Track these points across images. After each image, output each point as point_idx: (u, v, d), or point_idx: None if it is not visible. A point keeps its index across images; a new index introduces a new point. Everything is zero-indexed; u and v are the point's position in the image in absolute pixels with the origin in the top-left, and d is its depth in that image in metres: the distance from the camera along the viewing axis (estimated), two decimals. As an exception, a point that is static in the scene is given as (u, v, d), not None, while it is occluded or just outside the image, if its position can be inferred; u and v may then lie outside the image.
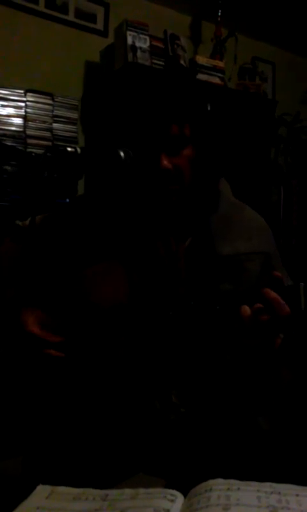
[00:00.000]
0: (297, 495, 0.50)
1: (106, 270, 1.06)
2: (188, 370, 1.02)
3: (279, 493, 0.50)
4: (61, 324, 1.06)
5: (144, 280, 1.02)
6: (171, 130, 1.00)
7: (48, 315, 1.06)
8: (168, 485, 0.79)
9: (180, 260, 1.06)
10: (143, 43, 2.52)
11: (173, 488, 0.54)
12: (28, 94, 2.33)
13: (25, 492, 0.54)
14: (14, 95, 2.30)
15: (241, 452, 0.90)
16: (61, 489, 0.55)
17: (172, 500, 0.51)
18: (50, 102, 2.39)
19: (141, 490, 0.54)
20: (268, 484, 0.52)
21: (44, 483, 0.57)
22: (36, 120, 2.35)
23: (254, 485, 0.52)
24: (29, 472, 0.94)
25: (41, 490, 0.56)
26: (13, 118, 2.29)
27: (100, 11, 2.78)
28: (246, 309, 0.81)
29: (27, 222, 1.23)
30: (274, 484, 0.52)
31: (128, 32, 2.48)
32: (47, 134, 2.38)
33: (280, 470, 0.89)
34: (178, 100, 1.03)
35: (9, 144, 2.26)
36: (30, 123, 2.33)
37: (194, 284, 1.01)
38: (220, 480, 0.53)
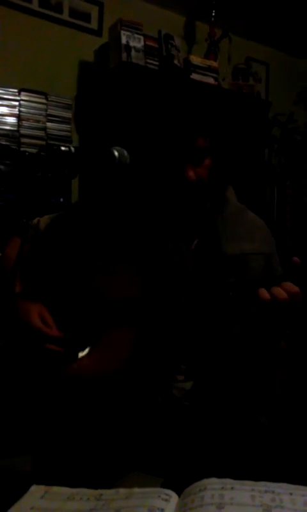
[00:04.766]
0: (291, 494, 0.50)
1: (119, 267, 1.09)
2: (197, 355, 1.05)
3: (273, 492, 0.50)
4: (62, 320, 1.09)
5: (155, 278, 1.06)
6: (198, 143, 1.03)
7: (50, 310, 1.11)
8: (165, 484, 0.79)
9: (188, 260, 1.11)
10: (137, 42, 2.52)
11: (169, 487, 0.54)
12: (22, 93, 2.33)
13: (22, 490, 0.54)
14: (8, 94, 2.29)
15: (239, 448, 0.91)
16: (56, 489, 0.55)
17: (166, 500, 0.51)
18: (44, 101, 2.38)
19: (136, 490, 0.54)
20: (262, 483, 0.52)
21: (39, 482, 0.56)
22: (30, 119, 2.34)
23: (248, 484, 0.52)
24: (34, 470, 0.94)
25: (36, 490, 0.55)
26: (6, 117, 2.29)
27: (94, 11, 2.78)
28: (264, 291, 0.85)
29: (35, 221, 1.28)
30: (268, 483, 0.52)
31: (123, 32, 2.48)
32: (41, 133, 2.37)
33: (276, 467, 0.90)
34: (204, 113, 1.06)
35: (3, 143, 2.26)
36: (24, 122, 2.32)
37: (201, 281, 1.05)
38: (214, 480, 0.53)
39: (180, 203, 1.09)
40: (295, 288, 0.84)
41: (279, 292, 0.84)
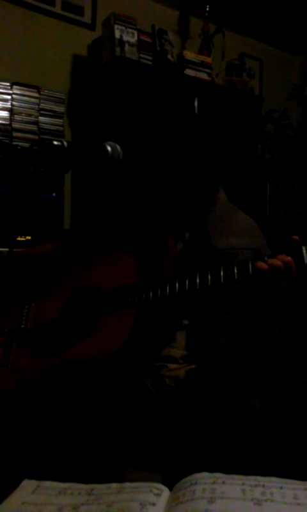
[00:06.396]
0: (281, 488, 0.50)
1: (117, 259, 1.14)
2: (195, 339, 1.11)
3: (264, 485, 0.51)
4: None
5: (151, 267, 1.11)
6: None
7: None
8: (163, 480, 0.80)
9: (169, 247, 1.18)
10: (131, 37, 2.50)
11: (167, 482, 0.54)
12: (14, 87, 2.30)
13: (11, 486, 0.54)
14: (0, 88, 2.27)
15: (232, 438, 0.92)
16: (47, 484, 0.55)
17: (158, 494, 0.51)
18: (36, 95, 2.36)
19: (127, 484, 0.54)
20: (252, 477, 0.52)
21: (31, 478, 0.56)
22: (22, 113, 2.32)
23: (239, 478, 0.52)
24: (26, 465, 0.95)
25: (27, 485, 0.55)
26: (-2, 111, 2.27)
27: (87, 4, 2.76)
28: (261, 263, 0.91)
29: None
30: (259, 477, 0.52)
31: (116, 26, 2.46)
32: (33, 127, 2.36)
33: (267, 460, 0.91)
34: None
35: (-6, 137, 2.24)
36: (16, 116, 2.30)
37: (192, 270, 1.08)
38: (205, 474, 0.53)
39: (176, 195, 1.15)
40: (288, 258, 0.90)
41: (274, 261, 0.90)
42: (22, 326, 1.15)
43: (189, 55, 2.72)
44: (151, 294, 1.02)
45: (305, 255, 0.91)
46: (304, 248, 0.91)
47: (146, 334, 1.05)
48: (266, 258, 0.92)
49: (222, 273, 0.95)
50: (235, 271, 0.94)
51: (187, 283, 0.98)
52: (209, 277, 0.96)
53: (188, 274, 0.99)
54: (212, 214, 1.19)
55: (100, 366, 1.01)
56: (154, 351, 1.11)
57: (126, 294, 1.05)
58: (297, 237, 0.93)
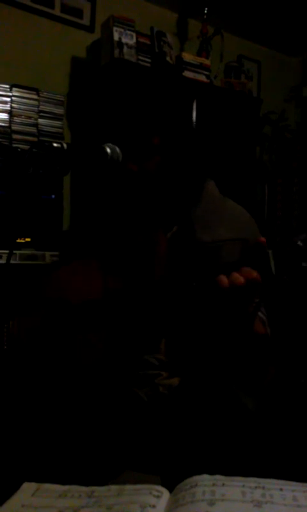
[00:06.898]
0: (281, 489, 0.50)
1: (79, 268, 1.10)
2: (175, 349, 1.06)
3: (264, 487, 0.51)
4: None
5: (119, 273, 1.06)
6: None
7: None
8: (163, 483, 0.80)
9: (160, 247, 1.12)
10: (130, 39, 2.51)
11: (164, 485, 0.54)
12: (14, 89, 2.31)
13: (11, 489, 0.54)
14: (-1, 90, 2.28)
15: (229, 440, 0.92)
16: (47, 486, 0.55)
17: (158, 496, 0.51)
18: (35, 97, 2.37)
19: (127, 487, 0.54)
20: (252, 479, 0.53)
21: (30, 480, 0.56)
22: (21, 115, 2.32)
23: (239, 480, 0.52)
24: (26, 468, 0.94)
25: (27, 487, 0.55)
26: (-2, 113, 2.27)
27: (86, 7, 2.76)
28: (223, 278, 0.83)
29: None
30: (259, 479, 0.52)
31: (115, 28, 2.47)
32: (33, 129, 2.36)
33: (265, 462, 0.91)
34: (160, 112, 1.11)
35: (-7, 139, 2.24)
36: (15, 118, 2.31)
37: (173, 270, 1.05)
38: (205, 476, 0.53)
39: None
40: (253, 274, 0.83)
41: (236, 277, 0.83)
42: (5, 347, 1.13)
43: (188, 57, 2.73)
44: (116, 311, 0.99)
45: (272, 262, 0.87)
46: (270, 255, 0.87)
47: (123, 347, 1.03)
48: (233, 273, 0.84)
49: (189, 286, 0.90)
50: (201, 284, 0.89)
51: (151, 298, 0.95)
52: (178, 292, 0.92)
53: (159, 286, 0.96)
54: (199, 209, 1.14)
55: (92, 373, 1.00)
56: (137, 360, 1.07)
57: (93, 310, 1.02)
58: (263, 239, 0.87)
